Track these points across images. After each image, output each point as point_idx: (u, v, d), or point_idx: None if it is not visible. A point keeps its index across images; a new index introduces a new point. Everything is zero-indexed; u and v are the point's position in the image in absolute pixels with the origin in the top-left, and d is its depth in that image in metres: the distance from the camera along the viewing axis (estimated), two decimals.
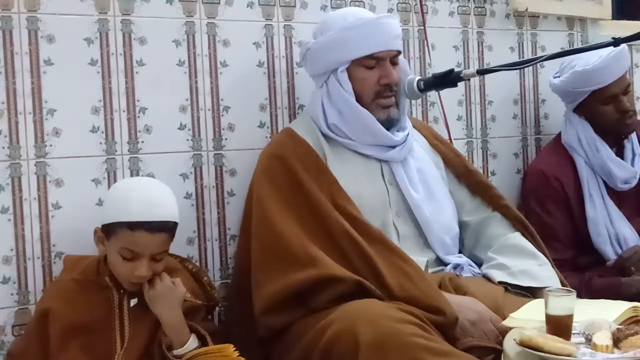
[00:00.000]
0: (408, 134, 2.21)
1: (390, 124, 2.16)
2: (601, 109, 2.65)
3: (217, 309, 2.23)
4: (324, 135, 2.17)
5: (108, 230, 1.89)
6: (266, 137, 2.37)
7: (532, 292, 2.08)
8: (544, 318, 1.61)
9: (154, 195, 1.91)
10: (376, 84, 2.14)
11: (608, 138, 2.68)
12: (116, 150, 2.15)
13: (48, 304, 1.92)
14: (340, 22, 2.17)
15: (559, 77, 2.72)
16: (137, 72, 2.18)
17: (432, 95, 2.68)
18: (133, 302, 1.92)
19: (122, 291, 1.93)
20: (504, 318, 1.81)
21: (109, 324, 1.90)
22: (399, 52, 2.19)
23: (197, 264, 2.20)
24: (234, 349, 1.82)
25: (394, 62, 2.17)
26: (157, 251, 1.88)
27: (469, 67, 2.77)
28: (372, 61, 2.14)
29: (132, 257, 1.86)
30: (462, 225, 2.29)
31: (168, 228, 1.90)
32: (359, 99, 2.14)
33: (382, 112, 2.15)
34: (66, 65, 2.08)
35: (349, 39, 2.13)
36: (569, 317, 1.59)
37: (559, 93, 2.75)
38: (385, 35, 2.14)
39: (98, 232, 1.93)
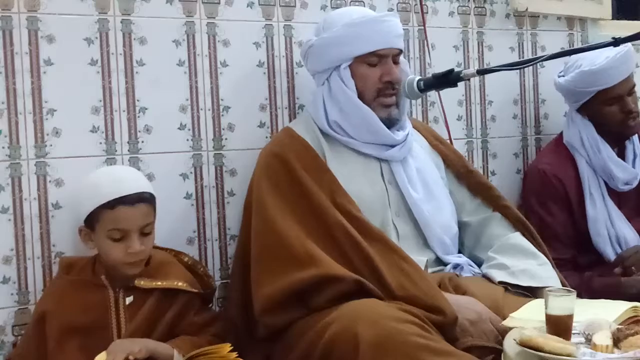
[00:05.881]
0: (408, 133, 2.21)
1: (390, 123, 2.16)
2: (605, 109, 2.64)
3: (216, 309, 2.24)
4: (323, 134, 2.17)
5: (90, 221, 1.91)
6: (266, 137, 2.37)
7: (532, 292, 2.08)
8: (544, 318, 1.61)
9: (119, 174, 1.99)
10: (378, 81, 2.14)
11: (610, 139, 2.68)
12: (116, 150, 2.15)
13: (44, 306, 1.93)
14: (344, 19, 2.17)
15: (563, 76, 2.71)
16: (137, 72, 2.18)
17: (432, 95, 2.68)
18: (129, 299, 1.93)
19: (117, 289, 1.93)
20: (504, 318, 1.81)
21: (105, 323, 1.91)
22: (400, 52, 2.19)
23: None
24: (231, 349, 1.81)
25: (395, 61, 2.17)
26: (143, 223, 1.91)
27: (469, 67, 2.77)
28: (375, 58, 2.14)
29: (122, 236, 1.89)
30: (462, 225, 2.29)
31: (145, 199, 1.93)
32: (360, 97, 2.14)
33: (383, 111, 2.15)
34: (66, 65, 2.08)
35: (352, 35, 2.13)
36: (569, 317, 1.59)
37: (563, 92, 2.74)
38: (389, 34, 2.15)
39: (82, 229, 1.95)
